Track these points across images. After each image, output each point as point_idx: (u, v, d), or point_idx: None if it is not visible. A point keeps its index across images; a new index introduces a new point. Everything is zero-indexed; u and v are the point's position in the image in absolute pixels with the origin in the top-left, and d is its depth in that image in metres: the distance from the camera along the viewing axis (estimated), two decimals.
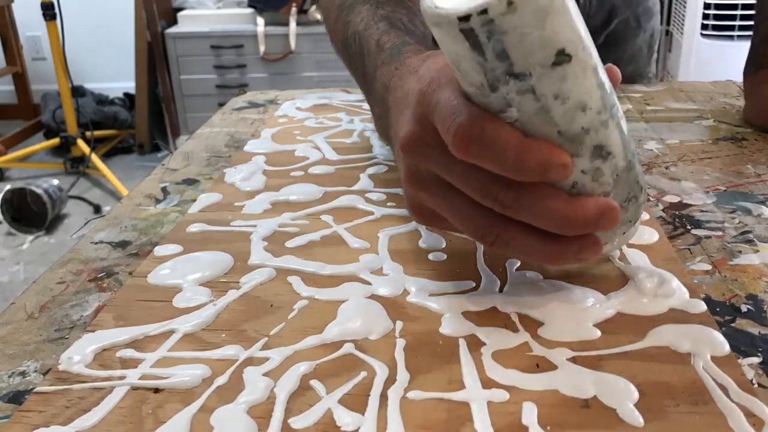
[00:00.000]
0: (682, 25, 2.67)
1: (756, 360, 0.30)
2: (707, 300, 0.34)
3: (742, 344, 0.31)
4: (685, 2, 2.64)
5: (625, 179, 0.31)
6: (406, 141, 0.32)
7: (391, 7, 0.52)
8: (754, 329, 0.32)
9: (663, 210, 0.45)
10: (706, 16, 2.02)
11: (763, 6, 0.65)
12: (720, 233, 0.42)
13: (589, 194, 0.30)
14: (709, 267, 0.38)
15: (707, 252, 0.39)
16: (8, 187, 2.22)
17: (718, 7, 1.99)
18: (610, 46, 0.89)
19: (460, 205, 0.32)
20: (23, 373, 0.32)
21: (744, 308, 0.34)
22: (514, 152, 0.29)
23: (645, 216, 0.43)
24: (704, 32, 2.02)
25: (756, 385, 0.28)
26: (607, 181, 0.30)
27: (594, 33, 0.91)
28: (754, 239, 0.41)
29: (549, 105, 0.28)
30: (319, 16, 2.70)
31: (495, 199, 0.30)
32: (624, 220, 0.32)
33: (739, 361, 0.30)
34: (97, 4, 3.22)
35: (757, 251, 0.39)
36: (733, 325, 0.33)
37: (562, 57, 0.28)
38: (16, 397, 0.30)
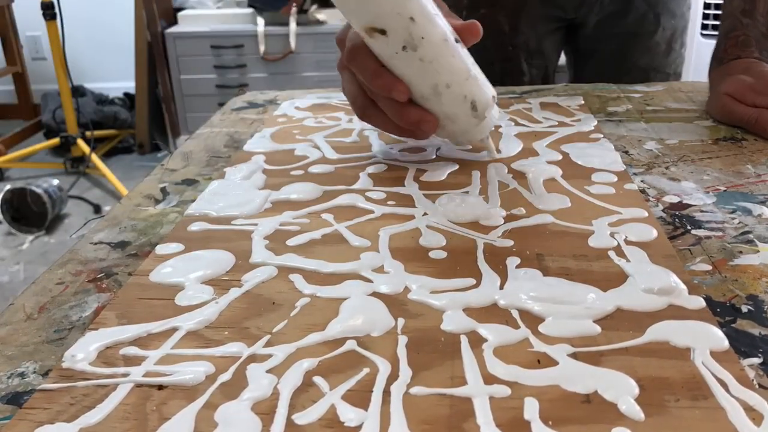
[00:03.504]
0: None
1: (757, 360, 0.30)
2: (707, 300, 0.35)
3: (742, 345, 0.31)
4: None
5: (450, 98, 0.48)
6: (344, 54, 0.51)
7: None
8: (755, 330, 0.32)
9: (663, 210, 0.45)
10: (706, 16, 2.02)
11: (728, 2, 0.67)
12: (720, 233, 0.42)
13: (425, 104, 0.49)
14: (709, 267, 0.38)
15: (707, 252, 0.40)
16: (8, 187, 2.22)
17: (718, 7, 1.99)
18: (627, 40, 0.92)
19: (351, 87, 0.52)
20: (22, 375, 0.32)
21: (744, 309, 0.34)
22: (370, 74, 0.48)
23: (643, 214, 0.43)
24: (704, 32, 2.02)
25: (757, 386, 0.28)
26: (435, 100, 0.48)
27: (612, 23, 0.92)
28: (755, 239, 0.41)
29: (398, 55, 0.47)
30: (319, 16, 2.70)
31: (367, 89, 0.50)
32: (456, 120, 0.50)
33: (740, 361, 0.30)
34: (97, 4, 3.23)
35: (758, 251, 0.39)
36: (733, 325, 0.33)
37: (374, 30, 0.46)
38: (15, 399, 0.30)
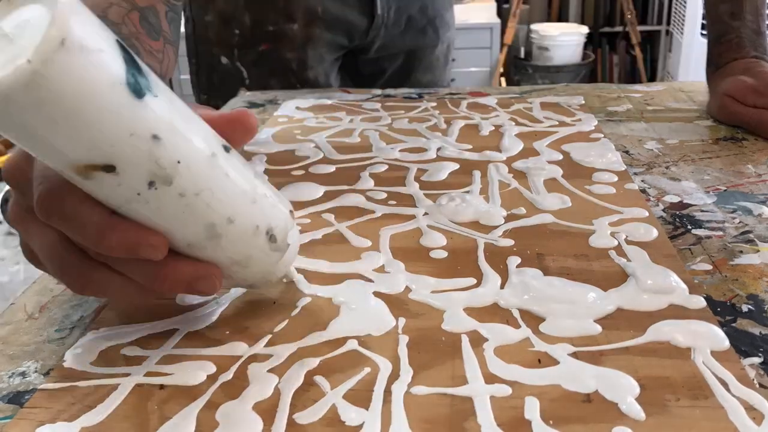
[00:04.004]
0: (682, 25, 2.68)
1: (757, 360, 0.30)
2: (708, 300, 0.35)
3: (743, 344, 0.31)
4: (685, 2, 2.65)
5: (235, 236, 0.31)
6: (34, 202, 0.29)
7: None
8: (755, 329, 0.32)
9: (663, 210, 0.45)
10: (705, 17, 2.02)
11: (712, 7, 0.68)
12: (720, 233, 0.42)
13: (197, 254, 0.31)
14: (709, 267, 0.38)
15: (708, 252, 0.40)
16: (8, 187, 2.22)
17: None
18: (409, 57, 0.91)
19: (46, 245, 0.31)
20: (23, 374, 0.32)
21: (745, 308, 0.34)
22: (95, 230, 0.28)
23: (643, 213, 0.43)
24: (704, 32, 2.02)
25: (757, 385, 0.28)
26: (212, 245, 0.30)
27: (394, 44, 0.87)
28: (755, 239, 0.41)
29: (140, 197, 0.28)
30: None
31: (95, 252, 0.30)
32: (250, 263, 0.32)
33: (740, 361, 0.30)
34: None
35: (758, 251, 0.39)
36: (734, 325, 0.33)
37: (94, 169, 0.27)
38: (17, 398, 0.30)
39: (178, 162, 0.28)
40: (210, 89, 0.86)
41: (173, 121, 0.28)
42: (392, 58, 0.90)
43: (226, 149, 0.31)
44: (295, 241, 0.35)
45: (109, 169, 0.27)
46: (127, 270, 0.30)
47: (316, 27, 0.81)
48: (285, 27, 0.80)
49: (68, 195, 0.28)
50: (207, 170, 0.29)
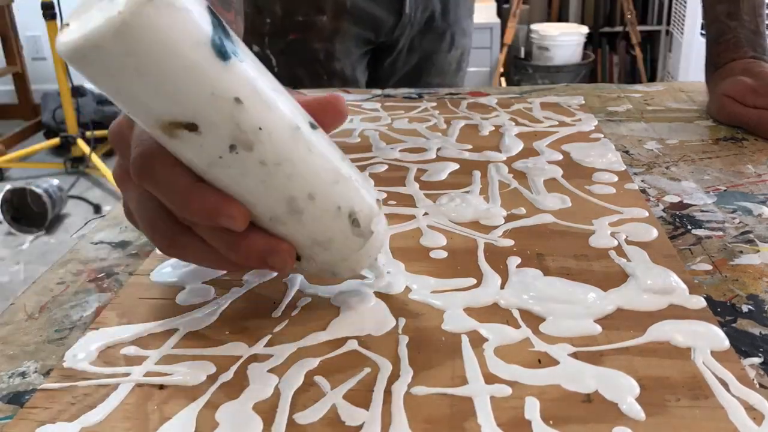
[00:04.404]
0: (682, 25, 2.68)
1: (757, 360, 0.30)
2: (708, 300, 0.35)
3: (743, 344, 0.31)
4: (685, 2, 2.65)
5: (316, 214, 0.31)
6: (130, 163, 0.32)
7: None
8: (755, 329, 0.32)
9: (663, 210, 0.45)
10: None
11: (710, 8, 0.68)
12: (720, 233, 0.42)
13: (277, 229, 0.31)
14: (709, 267, 0.38)
15: (708, 252, 0.40)
16: (8, 187, 2.22)
17: None
18: (423, 59, 0.92)
19: (145, 208, 0.32)
20: (23, 374, 0.32)
21: (745, 308, 0.34)
22: (180, 196, 0.30)
23: (643, 213, 0.43)
24: (704, 32, 2.02)
25: (757, 386, 0.28)
26: (293, 221, 0.31)
27: (412, 44, 0.89)
28: (755, 239, 0.41)
29: (222, 160, 0.29)
30: None
31: (180, 216, 0.31)
32: (331, 246, 0.32)
33: (741, 361, 0.30)
34: None
35: (758, 251, 0.39)
36: (734, 325, 0.33)
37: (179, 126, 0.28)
38: (17, 398, 0.30)
39: (260, 128, 0.28)
40: None
41: (257, 87, 0.29)
42: (407, 59, 0.92)
43: (313, 126, 0.31)
44: (381, 231, 0.34)
45: (192, 127, 0.28)
46: (208, 237, 0.31)
47: (344, 20, 0.83)
48: (314, 18, 0.82)
49: (159, 159, 0.30)
50: (289, 142, 0.29)
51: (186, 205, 0.30)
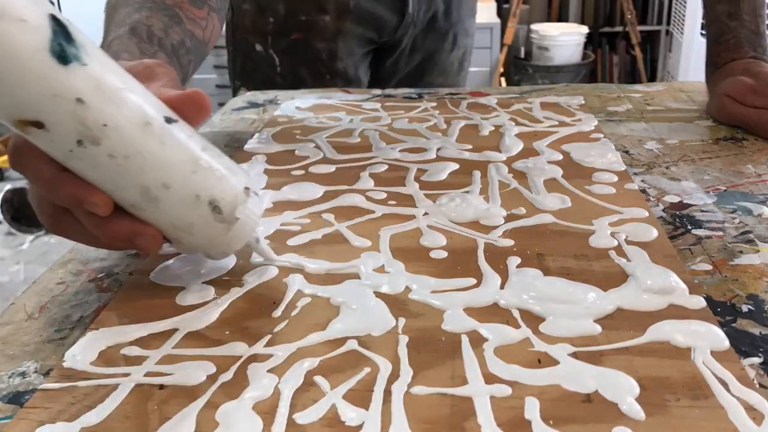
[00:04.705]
0: (682, 25, 2.68)
1: (757, 360, 0.30)
2: (708, 300, 0.35)
3: (743, 344, 0.31)
4: (685, 2, 2.64)
5: (173, 202, 0.34)
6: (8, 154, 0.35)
7: (151, 12, 0.51)
8: (755, 329, 0.32)
9: (663, 210, 0.45)
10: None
11: (710, 8, 0.68)
12: (720, 233, 0.42)
13: (141, 214, 0.34)
14: (709, 267, 0.38)
15: (708, 252, 0.40)
16: (8, 186, 2.22)
17: None
18: (425, 59, 0.93)
19: (35, 195, 0.36)
20: (23, 374, 0.32)
21: (745, 308, 0.34)
22: (47, 183, 0.33)
23: (643, 213, 0.43)
24: (704, 32, 2.02)
25: (757, 386, 0.28)
26: (152, 208, 0.34)
27: (415, 44, 0.90)
28: (755, 239, 0.41)
29: (74, 153, 0.32)
30: None
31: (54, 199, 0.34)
32: (194, 230, 0.35)
33: (740, 361, 0.30)
34: (97, 3, 3.23)
35: (758, 251, 0.39)
36: (734, 325, 0.33)
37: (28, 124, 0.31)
38: (17, 398, 0.30)
39: (104, 125, 0.32)
40: (244, 76, 0.88)
41: (102, 87, 0.32)
42: (410, 58, 0.92)
43: (168, 120, 0.34)
44: (251, 216, 0.36)
45: (39, 125, 0.31)
46: (81, 219, 0.34)
47: (347, 20, 0.83)
48: (317, 18, 0.82)
49: (27, 150, 0.33)
50: (139, 136, 0.33)
51: (52, 193, 0.33)
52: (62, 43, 0.30)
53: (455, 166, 0.53)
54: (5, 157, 2.64)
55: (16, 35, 0.29)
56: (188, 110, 0.36)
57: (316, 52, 0.84)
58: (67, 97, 0.31)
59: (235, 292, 0.37)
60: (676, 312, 0.33)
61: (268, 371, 0.30)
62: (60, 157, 0.32)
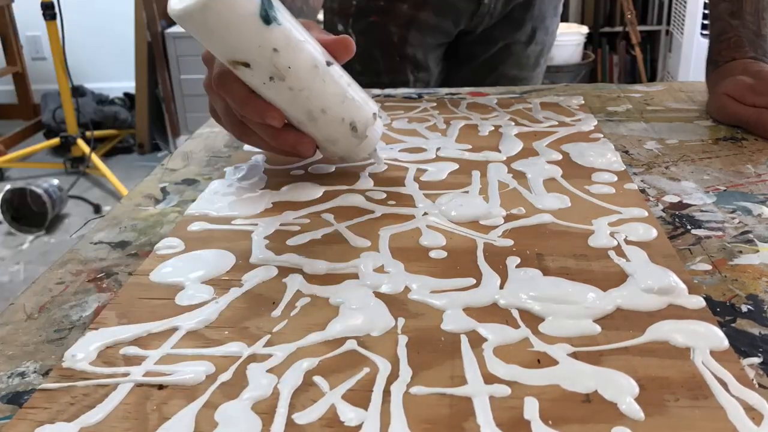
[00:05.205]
0: (682, 25, 2.68)
1: (756, 360, 0.30)
2: (707, 300, 0.35)
3: (742, 344, 0.31)
4: (685, 2, 2.64)
5: (326, 122, 0.47)
6: (210, 78, 0.49)
7: None
8: (755, 329, 0.32)
9: (663, 210, 0.45)
10: (706, 16, 2.02)
11: (713, 6, 0.68)
12: (720, 233, 0.42)
13: (303, 128, 0.48)
14: (709, 267, 0.38)
15: (707, 252, 0.40)
16: (8, 187, 2.22)
17: None
18: (502, 49, 0.94)
19: (222, 107, 0.50)
20: (22, 374, 0.32)
21: (744, 308, 0.34)
22: (239, 102, 0.47)
23: (643, 213, 0.43)
24: (704, 32, 2.02)
25: (757, 386, 0.28)
26: (311, 125, 0.48)
27: (492, 32, 0.93)
28: (755, 239, 0.41)
29: (266, 85, 0.45)
30: (320, 16, 2.70)
31: (241, 115, 0.48)
32: (337, 143, 0.49)
33: (740, 361, 0.30)
34: (97, 4, 3.23)
35: (758, 251, 0.39)
36: (733, 325, 0.33)
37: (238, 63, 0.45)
38: (16, 398, 0.30)
39: (289, 67, 0.45)
40: None
41: (289, 41, 0.44)
42: (486, 48, 0.94)
43: (328, 63, 0.47)
44: (374, 135, 0.50)
45: (246, 65, 0.44)
46: (259, 130, 0.49)
47: (423, 10, 0.87)
48: (395, 4, 0.88)
49: (228, 76, 0.46)
50: (308, 76, 0.45)
51: (244, 108, 0.47)
52: (266, 9, 0.43)
53: (455, 166, 0.53)
54: (6, 158, 2.64)
55: (238, 5, 0.42)
56: (339, 50, 0.48)
57: (389, 35, 0.89)
58: (267, 47, 0.44)
59: (235, 292, 0.37)
60: (675, 312, 0.33)
61: (268, 371, 0.30)
62: (255, 86, 0.46)
